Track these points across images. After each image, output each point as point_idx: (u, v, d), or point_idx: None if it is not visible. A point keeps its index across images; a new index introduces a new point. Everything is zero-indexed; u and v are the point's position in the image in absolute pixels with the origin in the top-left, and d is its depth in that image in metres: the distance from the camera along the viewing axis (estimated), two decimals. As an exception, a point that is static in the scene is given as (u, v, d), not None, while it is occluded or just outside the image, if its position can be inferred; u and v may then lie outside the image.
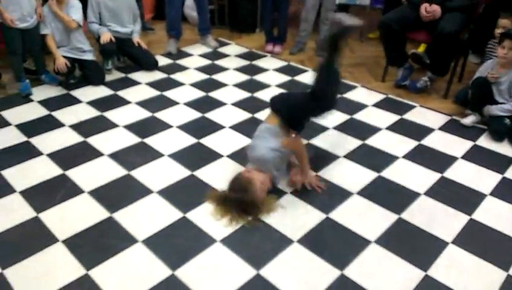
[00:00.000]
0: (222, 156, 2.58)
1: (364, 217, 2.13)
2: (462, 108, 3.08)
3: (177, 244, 1.95)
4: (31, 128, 2.84)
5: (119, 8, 3.58)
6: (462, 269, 1.86)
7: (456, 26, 3.04)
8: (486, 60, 3.09)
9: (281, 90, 3.40)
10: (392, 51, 3.44)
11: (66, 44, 3.37)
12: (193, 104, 3.18)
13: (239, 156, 2.57)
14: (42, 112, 3.05)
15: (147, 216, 2.11)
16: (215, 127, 2.89)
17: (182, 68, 3.80)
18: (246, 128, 2.84)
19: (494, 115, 2.81)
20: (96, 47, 3.59)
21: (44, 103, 3.16)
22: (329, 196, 2.26)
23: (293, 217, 2.12)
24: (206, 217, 2.11)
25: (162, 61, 3.89)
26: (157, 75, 3.64)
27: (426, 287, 1.77)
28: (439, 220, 2.12)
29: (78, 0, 3.37)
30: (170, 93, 3.33)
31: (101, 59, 3.61)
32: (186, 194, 2.26)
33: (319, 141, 2.75)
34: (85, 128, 2.85)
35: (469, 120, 2.92)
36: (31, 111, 3.04)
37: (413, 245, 1.97)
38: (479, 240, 2.01)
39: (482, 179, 2.43)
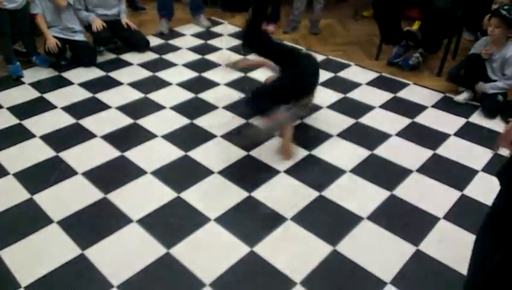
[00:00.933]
0: (216, 136, 2.58)
1: (356, 194, 2.15)
2: (455, 85, 3.07)
3: (172, 223, 1.97)
4: (23, 110, 2.82)
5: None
6: (453, 243, 1.89)
7: (450, 2, 3.01)
8: (482, 37, 3.08)
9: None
10: (387, 29, 3.42)
11: (56, 24, 3.31)
12: (186, 85, 3.16)
13: (232, 136, 2.57)
14: (34, 94, 3.02)
15: (141, 196, 2.12)
16: (208, 107, 2.88)
17: (174, 48, 3.76)
18: (240, 108, 2.83)
19: (487, 92, 2.82)
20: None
21: (35, 85, 3.13)
22: (322, 174, 2.28)
23: (286, 195, 2.14)
24: (200, 196, 2.12)
25: (154, 41, 3.84)
26: (149, 56, 3.60)
27: (417, 261, 1.80)
28: (430, 196, 2.14)
29: None
30: (162, 74, 3.31)
31: (92, 40, 3.56)
32: (180, 174, 2.27)
33: (312, 120, 2.75)
34: (77, 110, 2.83)
35: (462, 97, 2.93)
36: (23, 93, 3.02)
37: (405, 221, 2.00)
38: (470, 215, 2.03)
39: (474, 155, 2.45)
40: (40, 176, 2.24)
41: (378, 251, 1.84)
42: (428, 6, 3.08)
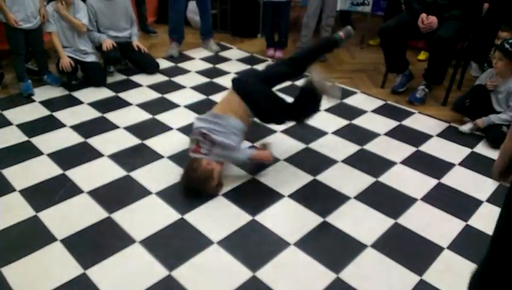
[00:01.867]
0: (221, 158, 2.60)
1: (361, 222, 2.14)
2: (460, 115, 3.10)
3: (175, 245, 1.97)
4: (32, 128, 2.86)
5: (115, 14, 3.59)
6: (457, 274, 1.87)
7: (452, 32, 3.07)
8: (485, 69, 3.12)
9: (281, 95, 3.42)
10: (392, 58, 3.47)
11: (70, 45, 3.40)
12: (193, 107, 3.20)
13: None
14: (43, 112, 3.07)
15: (145, 217, 2.13)
16: (214, 130, 2.90)
17: (184, 71, 3.83)
18: (246, 132, 2.85)
19: (491, 124, 2.84)
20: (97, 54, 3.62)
21: (45, 103, 3.19)
22: (327, 200, 2.28)
23: (290, 220, 2.13)
24: (203, 218, 2.13)
25: (164, 64, 3.92)
26: (159, 78, 3.67)
27: (421, 291, 1.78)
28: (435, 225, 2.13)
29: (82, 2, 3.41)
30: (171, 96, 3.36)
31: (103, 61, 3.64)
32: (184, 195, 2.28)
33: (317, 146, 2.77)
34: (86, 129, 2.87)
35: (467, 127, 2.94)
36: (33, 111, 3.07)
37: (409, 250, 1.99)
38: (474, 246, 2.02)
39: (479, 185, 2.44)
40: (45, 194, 2.26)
41: (381, 279, 1.83)
42: (432, 37, 3.14)
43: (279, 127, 2.93)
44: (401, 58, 3.48)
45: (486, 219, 2.19)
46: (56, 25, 3.31)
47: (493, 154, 2.74)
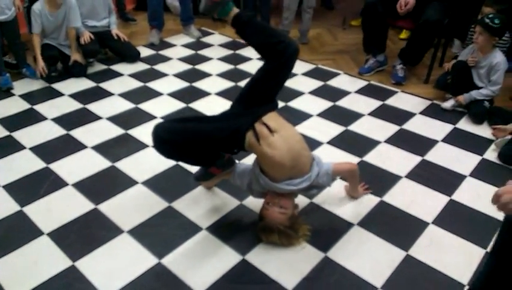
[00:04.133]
0: (206, 145, 2.59)
1: (346, 201, 2.17)
2: (442, 92, 3.13)
3: (163, 233, 1.97)
4: (13, 122, 2.81)
5: (94, 3, 3.53)
6: (442, 247, 1.91)
7: (438, 15, 3.09)
8: (467, 45, 3.14)
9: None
10: (372, 37, 3.46)
11: (53, 37, 3.36)
12: (177, 95, 3.17)
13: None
14: (24, 105, 3.01)
15: (132, 207, 2.12)
16: (199, 116, 2.89)
17: (165, 59, 3.78)
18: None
19: (473, 100, 2.87)
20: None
21: (25, 96, 3.13)
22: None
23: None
24: (191, 206, 2.13)
25: (145, 52, 3.86)
26: (140, 66, 3.62)
27: (408, 266, 1.82)
28: (419, 201, 2.17)
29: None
30: (153, 84, 3.32)
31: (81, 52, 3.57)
32: (171, 184, 2.27)
33: (302, 128, 2.77)
34: (68, 121, 2.83)
35: (449, 104, 2.98)
36: (13, 105, 3.01)
37: (395, 226, 2.02)
38: (458, 220, 2.06)
39: (462, 160, 2.48)
40: (30, 188, 2.23)
41: (369, 256, 1.86)
42: (418, 18, 3.14)
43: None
44: (381, 38, 3.48)
45: (469, 193, 2.23)
46: (42, 19, 3.23)
47: (475, 129, 2.79)
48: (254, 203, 2.14)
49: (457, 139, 2.68)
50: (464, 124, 2.84)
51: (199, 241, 1.93)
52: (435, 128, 2.78)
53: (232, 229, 2.00)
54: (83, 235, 1.95)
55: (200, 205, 2.14)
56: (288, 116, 2.86)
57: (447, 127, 2.80)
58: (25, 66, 3.37)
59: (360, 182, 2.17)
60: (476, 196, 2.22)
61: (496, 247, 1.24)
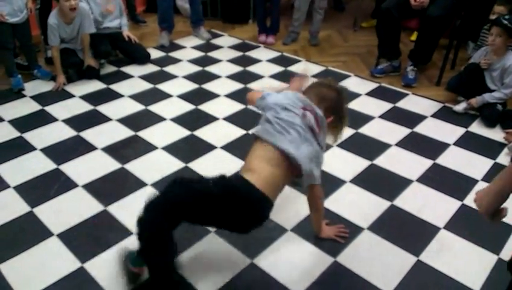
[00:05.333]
0: (216, 147, 2.59)
1: (357, 205, 2.14)
2: (454, 95, 3.09)
3: (176, 235, 1.96)
4: (24, 123, 2.83)
5: (108, 5, 3.55)
6: (454, 253, 1.88)
7: (442, 11, 3.05)
8: (479, 47, 3.09)
9: (275, 81, 3.41)
10: (387, 41, 3.43)
11: (70, 42, 3.37)
12: (186, 97, 3.17)
13: (232, 147, 2.57)
14: (35, 106, 3.04)
15: (141, 209, 2.11)
16: (208, 119, 2.89)
17: (175, 60, 3.79)
18: (239, 119, 2.85)
19: (485, 102, 2.83)
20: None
21: (37, 98, 3.16)
22: (322, 184, 2.27)
23: (286, 206, 2.13)
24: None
25: (155, 54, 3.87)
26: (150, 68, 3.63)
27: (418, 272, 1.79)
28: (431, 206, 2.14)
29: (86, 4, 3.36)
30: (163, 86, 3.33)
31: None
32: (180, 186, 2.27)
33: (312, 131, 2.76)
34: (78, 122, 2.85)
35: (461, 107, 2.94)
36: (24, 106, 3.04)
37: (406, 231, 1.99)
38: (470, 225, 2.03)
39: (474, 164, 2.44)
40: (40, 189, 2.25)
41: (379, 261, 1.84)
42: (424, 15, 3.12)
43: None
44: (395, 43, 3.44)
45: (481, 198, 2.19)
46: (63, 32, 3.24)
47: (488, 133, 2.74)
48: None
49: (469, 142, 2.64)
50: (476, 128, 2.80)
51: (207, 245, 1.92)
52: (447, 132, 2.75)
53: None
54: (92, 236, 1.96)
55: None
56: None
57: (459, 130, 2.76)
58: (36, 67, 3.40)
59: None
60: (489, 200, 2.18)
61: None
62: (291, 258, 1.85)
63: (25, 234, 1.97)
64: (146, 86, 3.34)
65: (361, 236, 1.96)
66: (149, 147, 2.59)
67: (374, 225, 2.02)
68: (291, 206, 2.13)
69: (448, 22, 3.13)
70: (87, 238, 1.95)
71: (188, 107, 3.04)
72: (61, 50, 3.31)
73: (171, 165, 2.43)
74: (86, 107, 3.04)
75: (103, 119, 2.89)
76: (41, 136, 2.69)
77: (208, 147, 2.59)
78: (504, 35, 2.69)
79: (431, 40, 3.26)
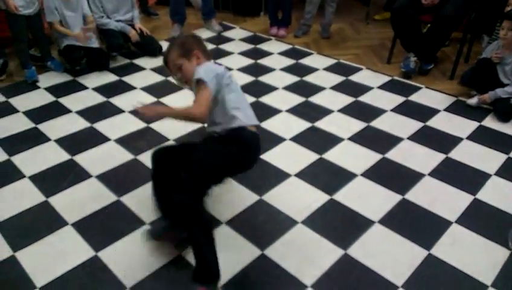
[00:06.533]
0: (227, 139, 2.60)
1: (368, 198, 2.14)
2: (467, 89, 3.06)
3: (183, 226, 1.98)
4: (39, 114, 2.88)
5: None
6: (466, 247, 1.87)
7: (456, 11, 3.04)
8: (494, 41, 3.05)
9: (286, 74, 3.40)
10: (408, 38, 3.39)
11: (74, 30, 3.37)
12: (198, 89, 3.18)
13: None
14: (49, 98, 3.08)
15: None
16: (220, 111, 2.90)
17: (187, 53, 3.79)
18: (251, 112, 2.85)
19: (498, 97, 2.79)
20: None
21: (50, 89, 3.19)
22: (333, 178, 2.28)
23: (297, 198, 2.14)
24: (211, 200, 2.14)
25: (167, 46, 3.87)
26: (162, 61, 3.63)
27: (429, 265, 1.79)
28: (443, 200, 2.13)
29: None
30: (175, 78, 3.34)
31: (105, 46, 3.62)
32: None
33: (323, 124, 2.75)
34: (91, 114, 2.88)
35: (475, 100, 2.90)
36: (38, 98, 3.08)
37: (417, 225, 1.99)
38: (482, 219, 2.02)
39: (487, 159, 2.42)
40: (55, 179, 2.28)
41: (389, 254, 1.84)
42: (438, 12, 3.08)
43: (284, 106, 2.92)
44: (418, 36, 3.37)
45: (495, 192, 2.18)
46: (63, 13, 3.27)
47: (502, 127, 2.71)
48: (274, 198, 2.14)
49: (482, 137, 2.62)
50: (490, 122, 2.77)
51: (219, 236, 1.93)
52: (460, 126, 2.72)
53: (252, 224, 2.00)
54: (106, 226, 1.99)
55: (220, 199, 2.15)
56: (309, 111, 2.88)
57: (472, 125, 2.74)
58: (49, 59, 3.44)
59: None
60: (502, 195, 2.17)
61: None
62: (301, 250, 1.86)
63: (40, 222, 2.01)
64: (158, 78, 3.36)
65: (372, 229, 1.96)
66: (160, 139, 2.61)
67: (385, 219, 2.02)
68: (302, 198, 2.14)
69: (460, 21, 3.10)
70: (101, 227, 1.98)
71: (199, 99, 3.05)
72: (65, 47, 3.34)
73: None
74: (99, 99, 3.07)
75: (116, 111, 2.92)
76: (56, 127, 2.73)
77: (219, 139, 2.59)
78: None
79: (440, 39, 3.23)
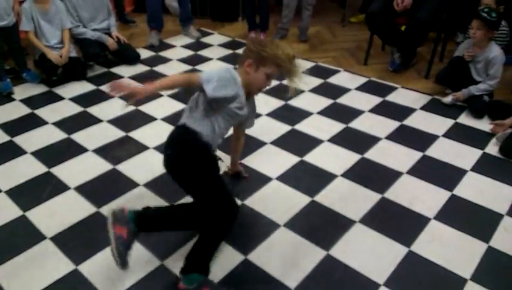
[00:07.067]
0: (207, 145, 2.59)
1: (348, 198, 2.16)
2: (442, 87, 3.12)
3: (166, 234, 1.97)
4: (14, 127, 2.82)
5: (95, 6, 3.53)
6: (445, 243, 1.91)
7: (429, 16, 3.12)
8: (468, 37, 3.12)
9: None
10: (386, 36, 3.45)
11: (47, 43, 3.33)
12: (177, 96, 3.17)
13: (224, 145, 2.57)
14: (25, 110, 3.02)
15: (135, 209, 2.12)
16: (199, 117, 2.89)
17: (165, 60, 3.78)
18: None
19: (472, 94, 2.86)
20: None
21: (26, 101, 3.14)
22: (314, 180, 2.30)
23: (279, 202, 2.15)
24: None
25: (145, 54, 3.86)
26: (140, 68, 3.62)
27: (410, 262, 1.81)
28: (421, 197, 2.17)
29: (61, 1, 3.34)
30: (153, 86, 3.32)
31: (81, 55, 3.58)
32: (173, 185, 2.26)
33: (303, 126, 2.77)
34: (68, 124, 2.84)
35: (449, 99, 2.97)
36: (13, 110, 3.02)
37: (397, 223, 2.02)
38: (460, 215, 2.06)
39: (463, 155, 2.48)
40: (32, 193, 2.24)
41: (371, 253, 1.86)
42: (412, 16, 3.16)
43: (264, 110, 2.93)
44: (396, 33, 3.41)
45: (471, 188, 2.23)
46: (39, 23, 3.22)
47: (476, 123, 2.78)
48: (256, 202, 2.14)
49: (458, 133, 2.68)
50: (465, 119, 2.83)
51: (201, 242, 1.93)
52: (436, 124, 2.78)
53: (234, 229, 1.99)
54: (86, 238, 1.96)
55: (201, 205, 2.13)
56: (288, 114, 2.89)
57: (448, 122, 2.80)
58: (25, 70, 3.38)
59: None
60: (478, 190, 2.22)
61: None
62: (284, 253, 1.87)
63: (18, 237, 1.97)
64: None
65: (353, 229, 1.98)
66: (140, 148, 2.59)
67: (366, 218, 2.04)
68: (284, 202, 2.15)
69: (434, 25, 3.20)
70: (81, 240, 1.95)
71: (179, 106, 3.04)
72: (40, 56, 3.30)
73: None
74: (76, 109, 3.03)
75: (94, 120, 2.88)
76: (32, 140, 2.68)
77: (199, 146, 2.59)
78: (484, 28, 2.72)
79: (415, 42, 3.33)
